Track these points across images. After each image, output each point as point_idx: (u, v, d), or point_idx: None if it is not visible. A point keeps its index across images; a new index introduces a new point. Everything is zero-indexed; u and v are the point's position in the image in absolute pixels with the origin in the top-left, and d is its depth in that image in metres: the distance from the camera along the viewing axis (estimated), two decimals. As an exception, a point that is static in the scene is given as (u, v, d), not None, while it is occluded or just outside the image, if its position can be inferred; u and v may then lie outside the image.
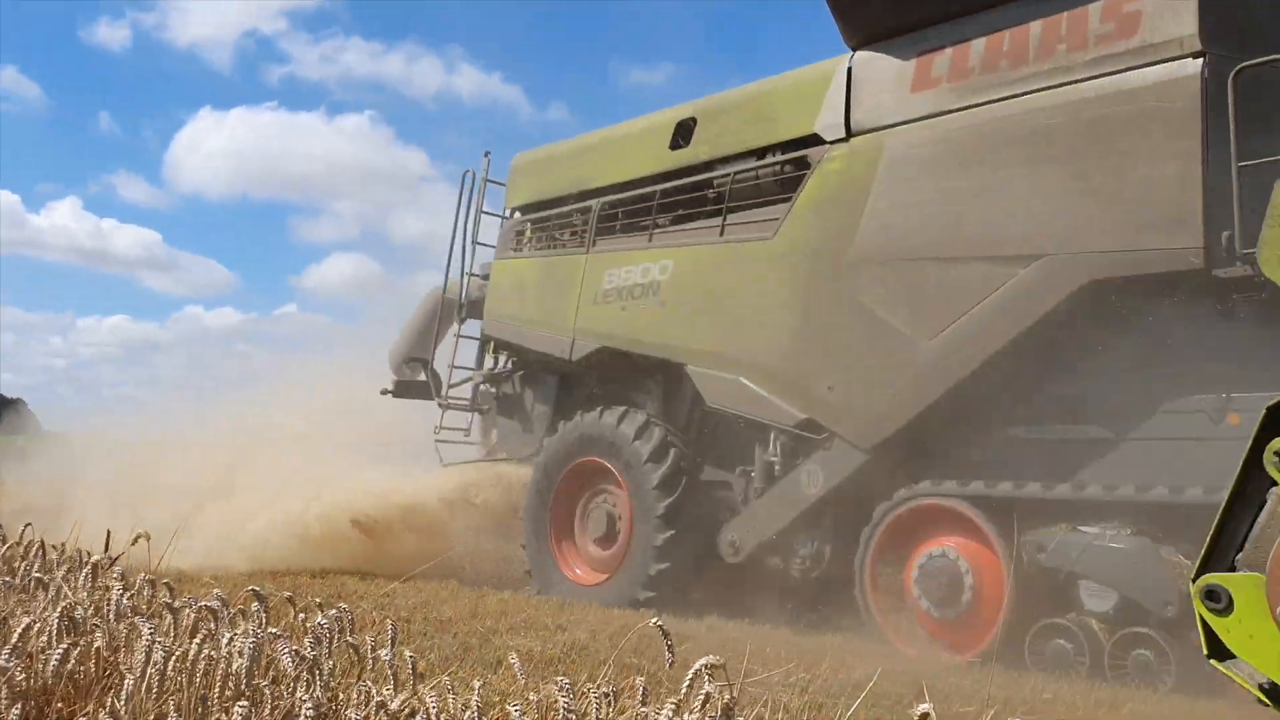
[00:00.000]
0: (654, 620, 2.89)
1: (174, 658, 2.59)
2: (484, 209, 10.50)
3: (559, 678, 2.43)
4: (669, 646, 2.82)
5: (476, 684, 2.62)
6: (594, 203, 9.22)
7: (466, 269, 10.47)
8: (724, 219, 8.09)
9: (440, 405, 10.56)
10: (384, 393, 10.77)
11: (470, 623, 6.71)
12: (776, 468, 7.65)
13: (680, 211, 8.63)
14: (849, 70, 7.47)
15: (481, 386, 10.47)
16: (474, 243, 10.51)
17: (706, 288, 8.11)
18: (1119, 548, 5.78)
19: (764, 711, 4.03)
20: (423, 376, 10.82)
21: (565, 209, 9.56)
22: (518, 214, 10.24)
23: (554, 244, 9.61)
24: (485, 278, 10.43)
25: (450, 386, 10.54)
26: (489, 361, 10.59)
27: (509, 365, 10.34)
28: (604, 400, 9.57)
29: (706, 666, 2.33)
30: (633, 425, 8.24)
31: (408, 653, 3.05)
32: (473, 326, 10.59)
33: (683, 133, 8.65)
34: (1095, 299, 6.14)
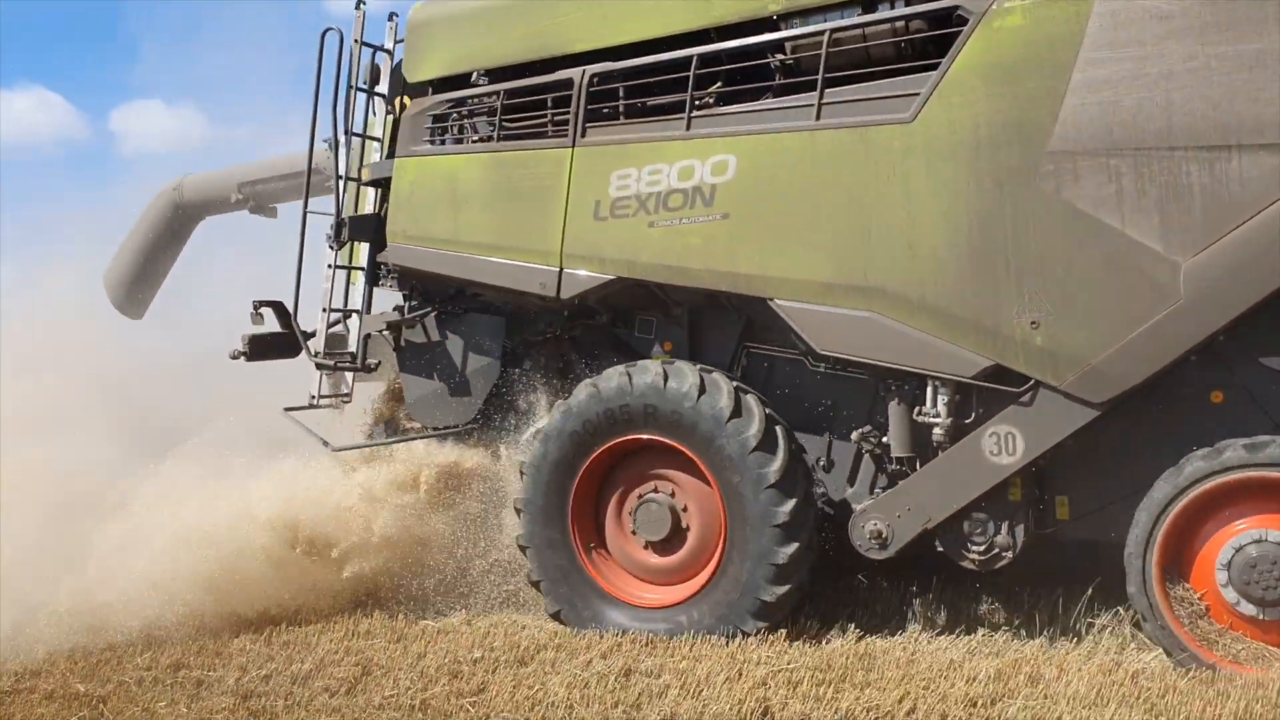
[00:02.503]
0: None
1: None
2: (358, 84, 7.38)
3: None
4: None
5: None
6: (576, 74, 6.53)
7: (343, 170, 7.34)
8: (820, 95, 5.86)
9: (318, 365, 7.51)
10: (235, 356, 7.49)
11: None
12: (938, 432, 5.77)
13: (729, 86, 6.23)
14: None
15: (378, 334, 7.52)
16: (349, 134, 7.38)
17: (801, 191, 5.89)
18: None
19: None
20: (279, 326, 7.63)
21: (520, 84, 6.76)
22: (429, 91, 7.24)
23: (504, 133, 6.80)
24: (378, 181, 7.38)
25: (327, 337, 7.50)
26: (380, 299, 7.64)
27: (412, 304, 7.48)
28: (581, 346, 7.17)
29: None
30: (720, 397, 5.95)
31: None
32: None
33: (732, -28, 6.19)
34: None
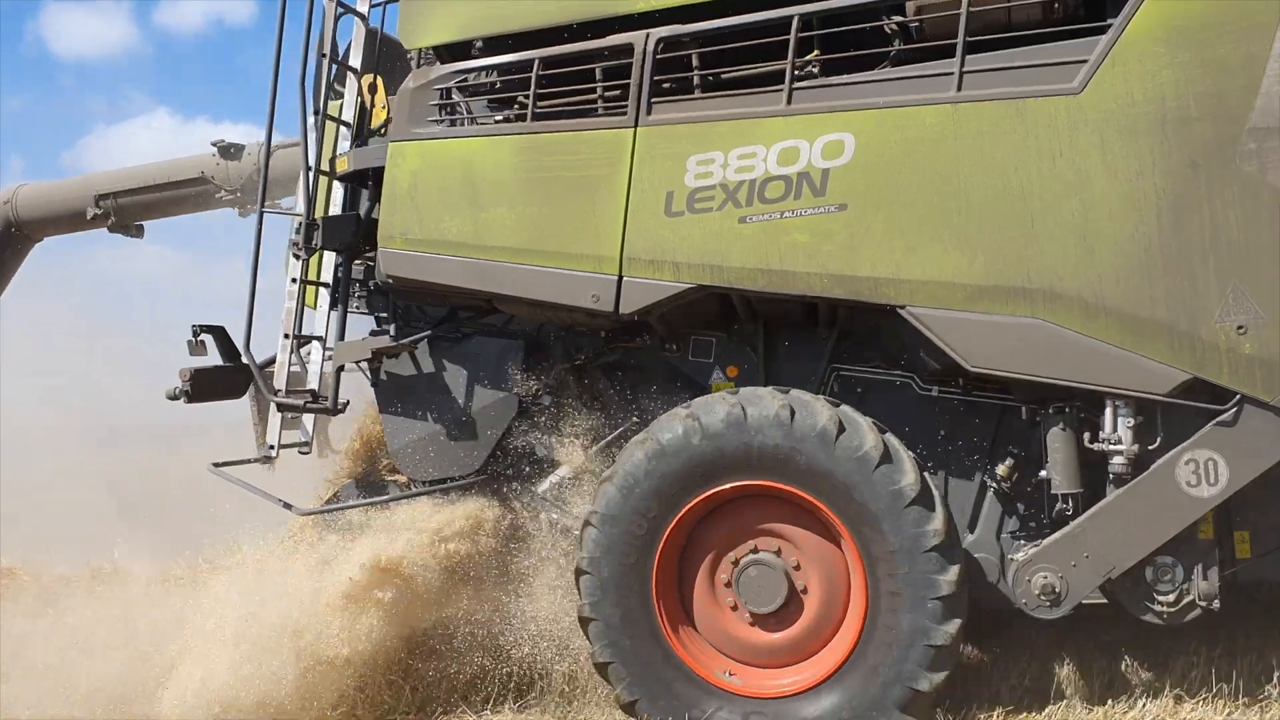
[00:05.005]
0: None
1: None
2: (331, 53, 5.91)
3: None
4: None
5: None
6: (638, 39, 5.31)
7: (312, 160, 5.82)
8: (961, 62, 4.89)
9: (281, 407, 5.89)
10: (174, 396, 5.78)
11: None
12: (1118, 461, 4.83)
13: (838, 53, 5.18)
14: None
15: (356, 366, 5.99)
16: (321, 114, 5.89)
17: (941, 176, 4.88)
18: None
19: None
20: (221, 360, 5.97)
21: (564, 51, 5.47)
22: (434, 61, 5.84)
23: (537, 111, 5.48)
24: (356, 175, 5.88)
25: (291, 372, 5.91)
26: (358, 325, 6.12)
27: (396, 329, 6.01)
28: (615, 374, 5.93)
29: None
30: (864, 438, 4.81)
31: None
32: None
33: (839, -84, 5.16)
34: None
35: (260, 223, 5.79)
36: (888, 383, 5.53)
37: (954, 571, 4.73)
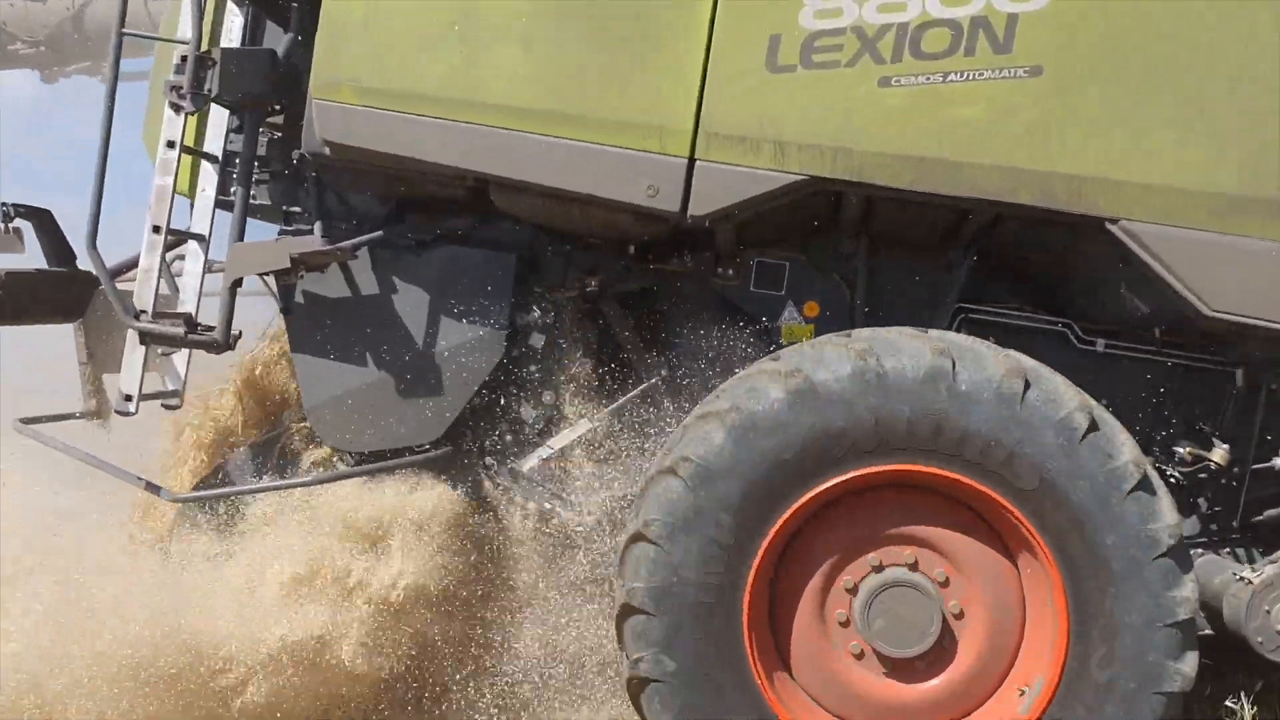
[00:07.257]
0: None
1: None
2: None
3: None
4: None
5: None
6: None
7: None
8: (1215, -125, 3.39)
9: (146, 337, 3.87)
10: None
11: None
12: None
13: None
14: None
15: (261, 280, 4.03)
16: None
17: (1180, 37, 3.40)
18: None
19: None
20: (47, 262, 3.89)
21: None
22: None
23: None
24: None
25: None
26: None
27: (321, 230, 4.08)
28: (636, 306, 4.25)
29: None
30: (1062, 397, 3.28)
31: None
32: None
33: None
34: None
35: (117, 51, 3.73)
36: (1035, 331, 4.05)
37: (1190, 587, 3.30)
